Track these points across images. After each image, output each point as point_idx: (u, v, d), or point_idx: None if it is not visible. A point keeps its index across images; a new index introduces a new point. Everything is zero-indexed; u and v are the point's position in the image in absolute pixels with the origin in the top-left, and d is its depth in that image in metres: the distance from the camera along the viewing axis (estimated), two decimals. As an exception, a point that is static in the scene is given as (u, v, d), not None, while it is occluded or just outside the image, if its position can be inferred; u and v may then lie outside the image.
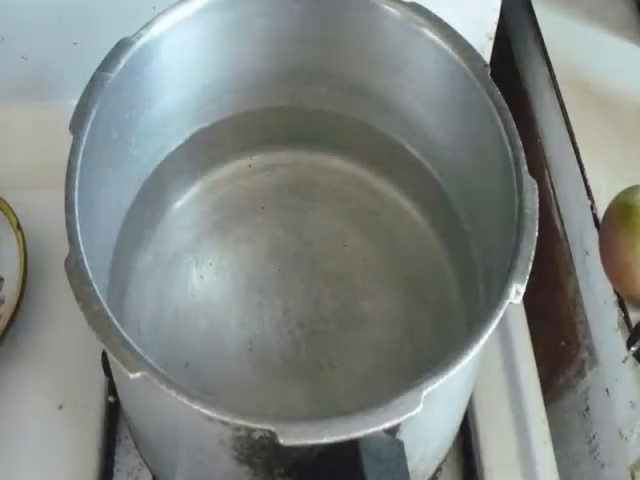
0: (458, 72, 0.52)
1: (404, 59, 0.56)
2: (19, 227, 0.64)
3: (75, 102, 0.50)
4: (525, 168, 0.48)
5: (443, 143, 0.58)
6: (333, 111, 0.63)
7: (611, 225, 0.57)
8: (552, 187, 0.70)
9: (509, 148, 0.49)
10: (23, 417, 0.61)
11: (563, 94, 0.68)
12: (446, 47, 0.52)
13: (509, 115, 0.50)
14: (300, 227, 0.65)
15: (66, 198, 0.47)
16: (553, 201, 0.70)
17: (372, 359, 0.59)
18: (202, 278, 0.63)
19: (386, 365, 0.59)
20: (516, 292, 0.44)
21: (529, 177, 0.48)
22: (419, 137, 0.60)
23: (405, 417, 0.40)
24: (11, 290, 0.63)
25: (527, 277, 0.44)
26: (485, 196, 0.55)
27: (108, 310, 0.44)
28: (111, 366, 0.54)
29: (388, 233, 0.65)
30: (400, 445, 0.42)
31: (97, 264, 0.51)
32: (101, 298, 0.44)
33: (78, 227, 0.46)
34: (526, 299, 0.68)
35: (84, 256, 0.45)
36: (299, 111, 0.63)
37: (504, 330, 0.66)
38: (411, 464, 0.43)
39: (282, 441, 0.39)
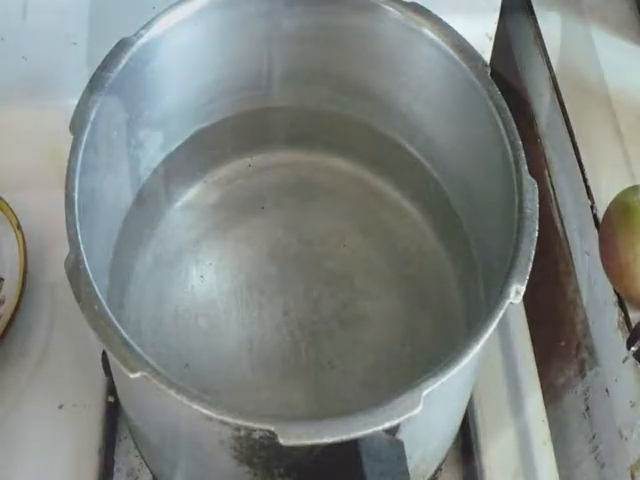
0: (458, 72, 0.52)
1: (404, 59, 0.56)
2: (19, 227, 0.64)
3: (75, 102, 0.50)
4: (525, 168, 0.48)
5: (443, 143, 0.58)
6: (333, 111, 0.63)
7: (611, 225, 0.57)
8: (552, 187, 0.70)
9: (509, 148, 0.49)
10: (23, 417, 0.61)
11: (563, 94, 0.68)
12: (446, 47, 0.52)
13: (509, 115, 0.50)
14: (300, 227, 0.65)
15: (66, 198, 0.47)
16: (553, 201, 0.70)
17: (372, 359, 0.59)
18: (202, 278, 0.63)
19: (386, 365, 0.59)
20: (516, 292, 0.44)
21: (529, 177, 0.48)
22: (419, 137, 0.60)
23: (405, 417, 0.40)
24: (11, 290, 0.63)
25: (527, 277, 0.44)
26: (485, 196, 0.55)
27: (108, 310, 0.44)
28: (111, 366, 0.54)
29: (388, 233, 0.64)
30: (400, 445, 0.42)
31: (97, 264, 0.51)
32: (101, 298, 0.44)
33: (78, 227, 0.46)
34: (526, 299, 0.68)
35: (84, 256, 0.45)
36: (299, 111, 0.63)
37: (504, 330, 0.66)
38: (411, 464, 0.43)
39: (282, 441, 0.39)
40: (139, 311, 0.61)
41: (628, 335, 0.57)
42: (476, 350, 0.42)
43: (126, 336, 0.43)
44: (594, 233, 0.61)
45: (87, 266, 0.45)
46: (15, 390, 0.61)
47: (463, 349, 0.42)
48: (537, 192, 0.47)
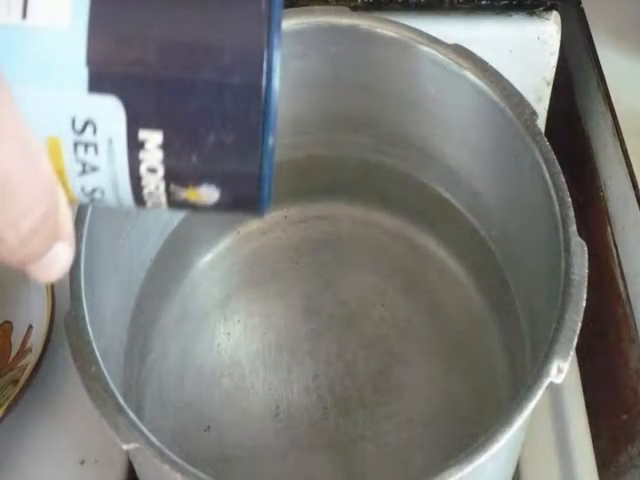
0: (504, 120, 0.47)
1: (445, 105, 0.51)
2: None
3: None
4: (574, 228, 0.43)
5: (489, 197, 0.53)
6: (373, 161, 0.58)
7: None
8: (615, 245, 0.64)
9: (556, 204, 0.44)
10: (43, 473, 0.58)
11: (628, 145, 0.62)
12: (490, 93, 0.48)
13: (557, 168, 0.44)
14: (336, 285, 0.60)
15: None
16: (616, 261, 0.64)
17: (407, 432, 0.54)
18: (229, 335, 0.59)
19: (422, 439, 0.54)
20: (558, 370, 0.39)
21: (577, 238, 0.42)
22: (464, 190, 0.55)
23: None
24: (38, 338, 0.59)
25: (571, 352, 0.39)
26: (532, 257, 0.50)
27: (106, 374, 0.41)
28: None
29: (430, 294, 0.59)
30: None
31: (115, 319, 0.48)
32: (100, 360, 0.41)
33: (83, 282, 0.43)
34: (584, 367, 0.62)
35: (86, 313, 0.42)
36: (338, 161, 0.59)
37: (556, 402, 0.60)
38: None
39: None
40: (161, 369, 0.57)
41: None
42: (510, 433, 0.37)
43: (122, 403, 0.40)
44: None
45: (88, 324, 0.42)
46: (35, 444, 0.59)
47: (493, 434, 0.37)
48: (586, 256, 0.42)
